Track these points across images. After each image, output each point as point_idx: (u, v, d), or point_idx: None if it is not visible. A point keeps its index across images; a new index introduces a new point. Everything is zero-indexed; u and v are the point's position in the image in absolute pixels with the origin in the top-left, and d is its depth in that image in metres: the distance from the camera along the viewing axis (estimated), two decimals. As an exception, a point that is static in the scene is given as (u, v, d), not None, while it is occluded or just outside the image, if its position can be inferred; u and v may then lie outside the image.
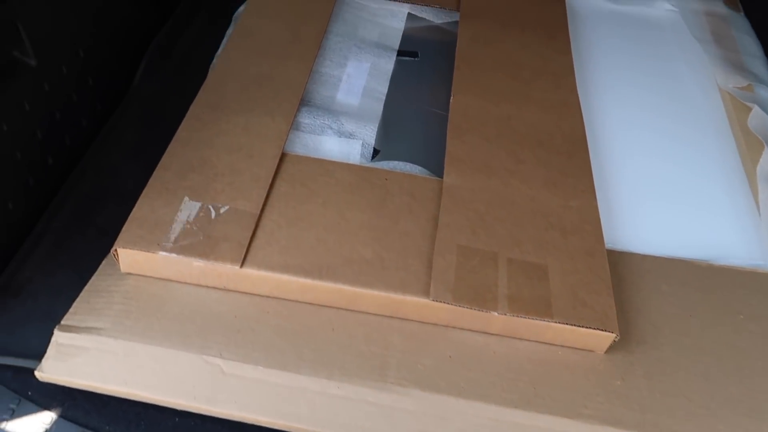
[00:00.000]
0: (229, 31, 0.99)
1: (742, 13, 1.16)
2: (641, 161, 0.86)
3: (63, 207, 0.77)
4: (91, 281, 0.66)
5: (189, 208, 0.67)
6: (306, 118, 0.82)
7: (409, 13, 1.04)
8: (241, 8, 1.02)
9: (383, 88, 0.91)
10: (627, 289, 0.70)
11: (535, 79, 0.91)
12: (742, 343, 0.66)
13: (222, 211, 0.67)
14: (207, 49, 0.96)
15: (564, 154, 0.80)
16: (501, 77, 0.90)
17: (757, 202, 0.82)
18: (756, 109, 0.92)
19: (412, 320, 0.65)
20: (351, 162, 0.78)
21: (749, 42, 1.08)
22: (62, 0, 0.76)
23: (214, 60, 0.92)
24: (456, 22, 1.02)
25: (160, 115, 0.87)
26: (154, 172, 0.71)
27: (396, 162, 0.78)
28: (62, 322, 0.62)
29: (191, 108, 0.80)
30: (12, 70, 0.68)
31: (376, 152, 0.81)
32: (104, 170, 0.82)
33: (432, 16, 1.04)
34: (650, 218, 0.79)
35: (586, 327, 0.62)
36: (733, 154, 0.89)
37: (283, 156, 0.75)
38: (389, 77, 0.93)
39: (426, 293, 0.63)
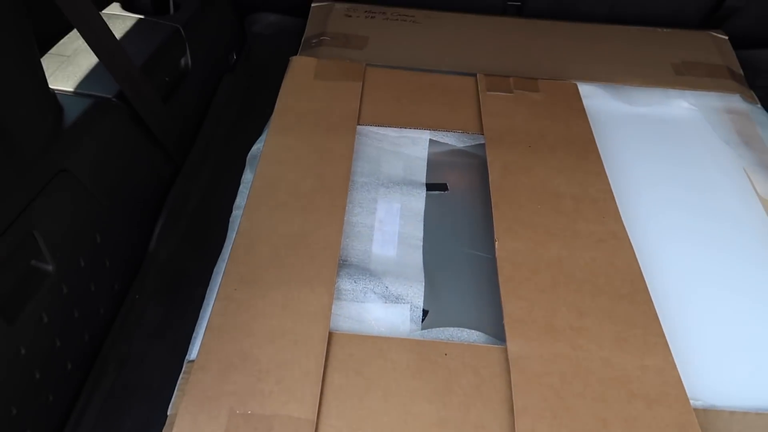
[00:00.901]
0: (245, 177, 0.93)
1: (759, 105, 1.14)
2: (702, 296, 0.80)
3: (85, 413, 0.69)
4: None
5: (236, 423, 0.60)
6: (346, 284, 0.75)
7: (430, 140, 1.00)
8: (255, 149, 0.97)
9: (419, 232, 0.85)
10: (724, 461, 0.64)
11: (578, 210, 0.86)
12: None
13: (274, 423, 0.60)
14: (221, 201, 0.90)
15: (626, 299, 0.75)
16: (542, 211, 0.85)
17: (833, 332, 0.77)
18: (809, 224, 0.88)
19: None
20: (401, 330, 0.72)
21: (776, 140, 1.06)
22: (78, 188, 0.70)
23: (235, 215, 0.86)
24: (480, 145, 0.98)
25: (180, 285, 0.80)
26: (191, 374, 0.64)
27: (452, 329, 0.72)
28: None
29: (221, 285, 0.73)
30: (30, 279, 0.61)
31: (425, 313, 0.75)
32: (127, 360, 0.74)
33: (454, 140, 1.00)
34: (729, 365, 0.73)
35: None
36: (793, 273, 0.84)
37: (330, 337, 0.68)
38: (422, 217, 0.88)
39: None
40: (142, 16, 0.92)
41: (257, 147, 0.97)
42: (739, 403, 0.69)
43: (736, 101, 1.13)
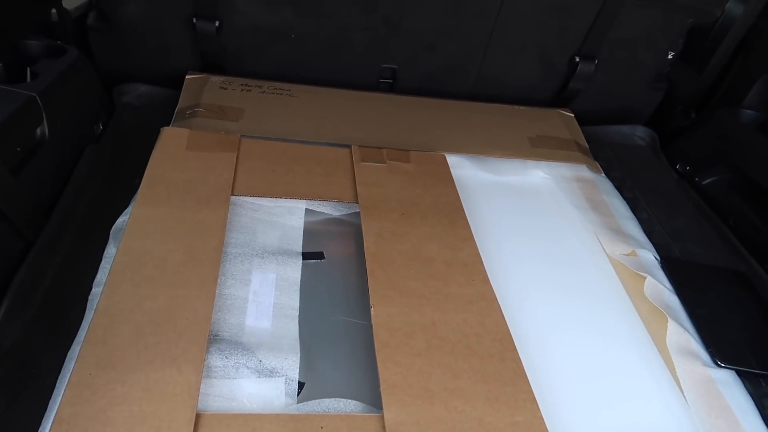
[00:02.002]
0: (107, 252, 0.88)
1: (604, 175, 1.28)
2: (563, 352, 0.86)
3: None
4: None
5: None
6: (217, 360, 0.72)
7: (306, 209, 1.01)
8: (120, 221, 0.92)
9: (295, 302, 0.84)
10: None
11: (449, 273, 0.90)
12: None
13: None
14: (79, 278, 0.83)
15: (495, 357, 0.78)
16: (416, 276, 0.88)
17: (675, 377, 0.84)
18: (649, 278, 0.98)
19: None
20: (276, 405, 0.69)
21: (619, 206, 1.19)
22: None
23: (95, 293, 0.80)
24: (355, 213, 1.01)
25: (29, 375, 0.72)
26: (33, 476, 0.56)
27: (328, 400, 0.70)
28: None
29: (74, 370, 0.67)
30: None
31: (300, 385, 0.73)
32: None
33: (330, 209, 1.02)
34: (589, 416, 0.78)
35: None
36: (641, 327, 0.92)
37: (197, 419, 0.64)
38: (298, 287, 0.87)
39: None
40: (-8, 84, 0.87)
41: (122, 220, 0.92)
42: (601, 451, 0.73)
43: (583, 171, 1.25)
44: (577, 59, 1.40)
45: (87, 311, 0.78)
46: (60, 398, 0.64)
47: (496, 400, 0.72)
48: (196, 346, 0.71)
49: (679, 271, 1.06)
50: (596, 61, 1.40)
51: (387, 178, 1.08)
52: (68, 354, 0.73)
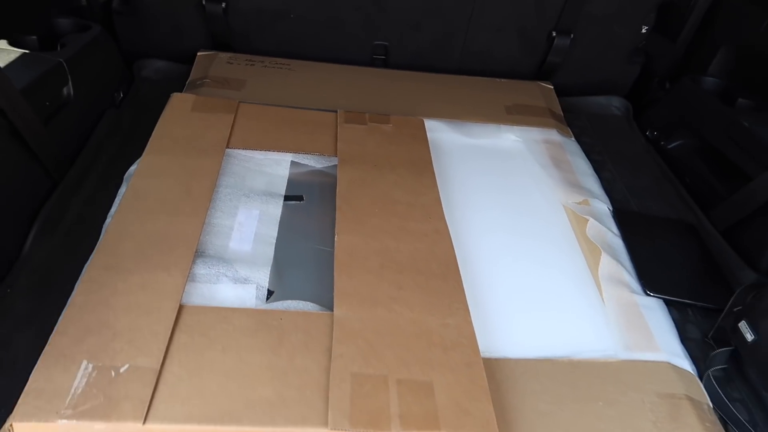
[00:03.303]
0: (121, 191, 1.04)
1: (573, 139, 1.39)
2: (506, 275, 0.99)
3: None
4: (-16, 462, 0.64)
5: (88, 372, 0.69)
6: (201, 269, 0.87)
7: (292, 161, 1.16)
8: (132, 168, 1.08)
9: (273, 232, 0.99)
10: (504, 392, 0.79)
11: (409, 214, 1.03)
12: (603, 426, 0.76)
13: (122, 370, 0.70)
14: (98, 212, 1.00)
15: (439, 277, 0.91)
16: (379, 214, 1.02)
17: (603, 300, 0.96)
18: (591, 221, 1.09)
19: (316, 453, 0.69)
20: (247, 306, 0.84)
21: (581, 164, 1.30)
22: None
23: (108, 222, 0.97)
24: (335, 166, 1.15)
25: (53, 281, 0.89)
26: (50, 339, 0.73)
27: (290, 301, 0.85)
28: None
29: (86, 271, 0.83)
30: None
31: (270, 293, 0.87)
32: (-6, 342, 0.81)
33: (313, 162, 1.17)
34: (519, 325, 0.90)
35: (471, 433, 0.69)
36: (580, 259, 1.04)
37: (180, 308, 0.79)
38: (278, 221, 1.02)
39: (325, 424, 0.68)
40: (27, 51, 1.05)
41: (133, 167, 1.08)
42: (522, 354, 0.85)
43: (553, 134, 1.37)
44: (554, 34, 1.51)
45: (102, 236, 0.95)
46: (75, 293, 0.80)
47: (432, 306, 0.86)
48: (184, 258, 0.86)
49: (629, 219, 1.17)
50: (572, 36, 1.51)
51: (366, 137, 1.22)
52: (84, 266, 0.89)
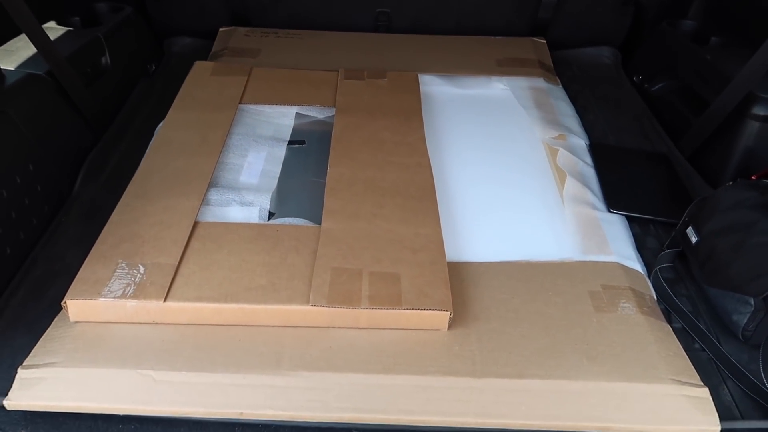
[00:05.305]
0: (151, 143, 1.23)
1: (560, 86, 1.50)
2: (480, 197, 1.12)
3: (19, 288, 0.95)
4: (46, 332, 0.84)
5: (122, 268, 0.87)
6: (214, 196, 1.05)
7: (297, 113, 1.32)
8: (160, 125, 1.27)
9: (277, 169, 1.16)
10: (466, 287, 0.93)
11: (395, 151, 1.17)
12: (550, 311, 0.89)
13: (148, 265, 0.88)
14: (134, 159, 1.19)
15: (416, 199, 1.05)
16: (367, 151, 1.17)
17: (565, 216, 1.08)
18: (561, 150, 1.21)
19: (300, 326, 0.85)
20: (251, 222, 1.01)
21: (564, 106, 1.41)
22: (18, 127, 1.00)
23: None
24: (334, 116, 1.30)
25: (98, 212, 1.08)
26: (94, 246, 0.91)
27: (286, 218, 1.02)
28: (24, 363, 0.79)
29: (122, 198, 1.02)
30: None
31: (271, 215, 1.04)
32: (53, 258, 1.01)
33: (316, 113, 1.33)
34: (485, 236, 1.04)
35: (428, 309, 0.84)
36: (551, 183, 1.16)
37: (195, 224, 0.97)
38: (282, 161, 1.18)
39: (307, 301, 0.84)
40: (71, 28, 1.26)
41: (162, 123, 1.27)
42: (485, 259, 0.99)
43: (539, 82, 1.48)
44: (542, -10, 1.61)
45: (135, 175, 1.14)
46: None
47: (407, 220, 1.00)
48: (200, 187, 1.04)
49: (603, 151, 1.28)
50: (560, -10, 1.61)
51: (363, 91, 1.37)
52: (121, 198, 1.08)
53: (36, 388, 0.76)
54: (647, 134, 1.38)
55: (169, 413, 0.76)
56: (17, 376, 0.77)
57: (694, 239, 0.99)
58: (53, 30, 1.24)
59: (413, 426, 0.77)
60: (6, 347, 0.86)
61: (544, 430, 0.77)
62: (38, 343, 0.82)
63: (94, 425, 0.77)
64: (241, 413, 0.76)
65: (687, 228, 1.02)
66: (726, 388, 0.85)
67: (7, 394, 0.76)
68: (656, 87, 1.49)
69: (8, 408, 0.76)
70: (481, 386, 0.78)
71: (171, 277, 0.86)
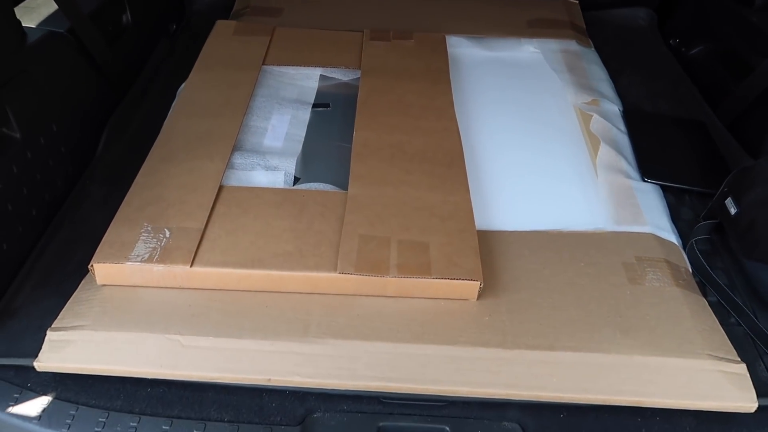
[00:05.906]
0: (174, 104, 1.21)
1: (593, 49, 1.44)
2: (510, 164, 1.09)
3: (46, 249, 0.95)
4: (73, 295, 0.83)
5: (147, 231, 0.86)
6: (239, 159, 1.03)
7: (321, 75, 1.28)
8: (183, 85, 1.24)
9: (302, 132, 1.13)
10: (496, 257, 0.91)
11: (422, 115, 1.14)
12: (581, 282, 0.87)
13: (174, 229, 0.87)
14: (157, 120, 1.17)
15: (444, 165, 1.03)
16: (394, 115, 1.13)
17: (598, 184, 1.05)
18: (595, 116, 1.17)
19: (327, 294, 0.84)
20: (276, 187, 0.99)
21: (597, 70, 1.36)
22: (40, 87, 0.99)
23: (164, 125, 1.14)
24: (360, 78, 1.27)
25: (123, 174, 1.06)
26: (119, 209, 0.90)
27: (312, 183, 1.00)
28: (53, 325, 0.79)
29: (146, 160, 1.00)
30: (1, 142, 0.88)
31: (297, 180, 1.02)
32: (78, 220, 1.00)
33: (340, 75, 1.29)
34: (516, 204, 1.01)
35: (458, 279, 0.82)
36: (583, 150, 1.12)
37: (220, 188, 0.95)
38: (306, 124, 1.16)
39: (335, 269, 0.82)
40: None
41: (184, 84, 1.25)
42: (516, 228, 0.96)
43: (572, 45, 1.42)
44: (576, -53, 1.54)
45: (159, 137, 1.12)
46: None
47: (436, 187, 0.98)
48: (225, 150, 1.02)
49: (637, 118, 1.24)
50: (595, -52, 1.53)
51: (389, 52, 1.32)
52: (146, 159, 1.06)
53: (65, 350, 0.77)
54: (684, 100, 1.32)
55: (196, 378, 0.76)
56: (47, 339, 0.78)
57: (733, 210, 0.96)
58: (73, -13, 1.21)
59: (442, 396, 0.76)
60: (34, 309, 0.86)
61: (576, 403, 0.76)
62: (66, 306, 0.82)
63: (122, 387, 0.77)
64: (269, 379, 0.75)
65: (726, 199, 0.98)
66: (762, 364, 0.83)
67: (36, 356, 0.77)
68: (694, 50, 1.43)
69: (38, 369, 0.76)
70: (511, 357, 0.77)
71: (197, 241, 0.85)
